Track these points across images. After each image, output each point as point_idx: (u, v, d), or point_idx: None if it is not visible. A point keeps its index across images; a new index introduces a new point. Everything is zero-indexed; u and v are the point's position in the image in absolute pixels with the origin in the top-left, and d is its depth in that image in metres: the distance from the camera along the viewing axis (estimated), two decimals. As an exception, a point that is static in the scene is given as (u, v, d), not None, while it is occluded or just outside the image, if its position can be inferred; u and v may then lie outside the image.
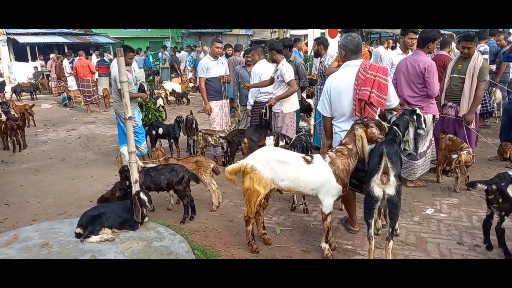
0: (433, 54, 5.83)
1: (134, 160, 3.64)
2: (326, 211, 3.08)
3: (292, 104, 5.16)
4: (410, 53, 4.88)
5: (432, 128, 4.71)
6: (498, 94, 7.63)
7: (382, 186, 2.81)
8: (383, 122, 3.68)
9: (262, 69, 5.73)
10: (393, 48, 9.37)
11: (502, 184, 3.08)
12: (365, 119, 3.06)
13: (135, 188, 3.61)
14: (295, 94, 5.24)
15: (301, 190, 3.12)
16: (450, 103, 4.90)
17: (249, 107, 5.96)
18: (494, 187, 3.10)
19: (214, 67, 5.92)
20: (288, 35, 18.52)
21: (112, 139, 8.07)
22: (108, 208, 3.43)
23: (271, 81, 5.29)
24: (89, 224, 3.24)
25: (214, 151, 6.18)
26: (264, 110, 5.41)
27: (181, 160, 4.47)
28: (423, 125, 3.27)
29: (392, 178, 2.79)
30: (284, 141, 4.33)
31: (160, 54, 16.40)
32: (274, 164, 3.08)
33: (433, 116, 4.56)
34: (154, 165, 4.19)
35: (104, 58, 13.68)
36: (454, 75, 4.84)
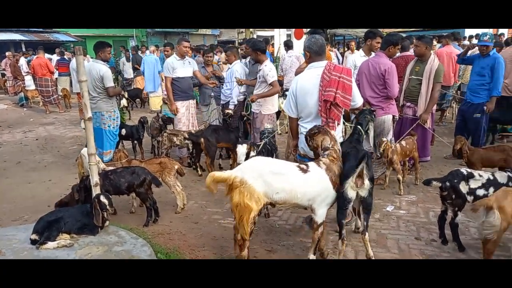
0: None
1: (94, 163, 3.53)
2: (319, 220, 2.91)
3: (272, 106, 5.15)
4: (373, 55, 5.03)
5: (393, 128, 4.88)
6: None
7: (356, 189, 2.83)
8: (346, 123, 3.80)
9: (232, 72, 5.76)
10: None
11: (455, 181, 3.24)
12: (318, 125, 3.13)
13: (96, 191, 3.49)
14: (276, 96, 5.28)
15: (298, 202, 2.88)
16: (408, 103, 5.11)
17: (231, 106, 5.91)
18: (447, 184, 3.26)
19: (180, 66, 5.83)
20: (255, 36, 18.58)
21: (72, 140, 7.78)
22: (66, 213, 3.31)
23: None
24: (46, 229, 3.11)
25: (179, 152, 6.10)
26: (228, 111, 5.43)
27: (144, 161, 4.38)
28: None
29: (366, 182, 2.82)
30: (255, 151, 4.25)
31: (121, 55, 15.92)
32: (267, 177, 2.79)
33: (393, 116, 4.72)
34: (113, 167, 4.08)
35: (65, 56, 13.16)
36: (412, 76, 5.05)
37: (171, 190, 4.22)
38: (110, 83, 5.20)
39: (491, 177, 3.33)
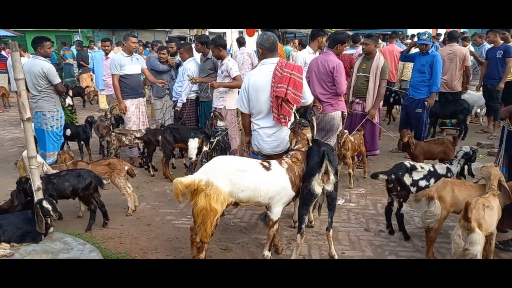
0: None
1: (35, 166, 3.31)
2: (274, 218, 2.96)
3: (235, 101, 5.15)
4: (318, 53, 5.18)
5: (343, 124, 5.04)
6: None
7: (323, 185, 2.87)
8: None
9: (185, 70, 5.66)
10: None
11: (400, 173, 3.42)
12: (302, 121, 3.17)
13: (38, 196, 3.28)
14: (237, 91, 5.25)
15: (261, 200, 2.89)
16: (357, 100, 5.31)
17: (179, 104, 5.78)
18: (393, 176, 3.42)
19: (128, 63, 5.63)
20: (207, 33, 18.39)
21: (11, 142, 7.28)
22: (5, 220, 3.08)
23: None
24: (-18, 240, 2.88)
25: (130, 152, 5.91)
26: (176, 108, 5.36)
27: (91, 163, 4.19)
28: None
29: (332, 177, 2.87)
30: (208, 146, 4.19)
31: (61, 52, 15.09)
32: (232, 175, 2.76)
33: (342, 112, 4.87)
34: (58, 170, 3.86)
35: (2, 52, 12.25)
36: (360, 73, 5.25)
37: (122, 192, 4.07)
38: (56, 79, 5.00)
39: (432, 169, 3.56)
